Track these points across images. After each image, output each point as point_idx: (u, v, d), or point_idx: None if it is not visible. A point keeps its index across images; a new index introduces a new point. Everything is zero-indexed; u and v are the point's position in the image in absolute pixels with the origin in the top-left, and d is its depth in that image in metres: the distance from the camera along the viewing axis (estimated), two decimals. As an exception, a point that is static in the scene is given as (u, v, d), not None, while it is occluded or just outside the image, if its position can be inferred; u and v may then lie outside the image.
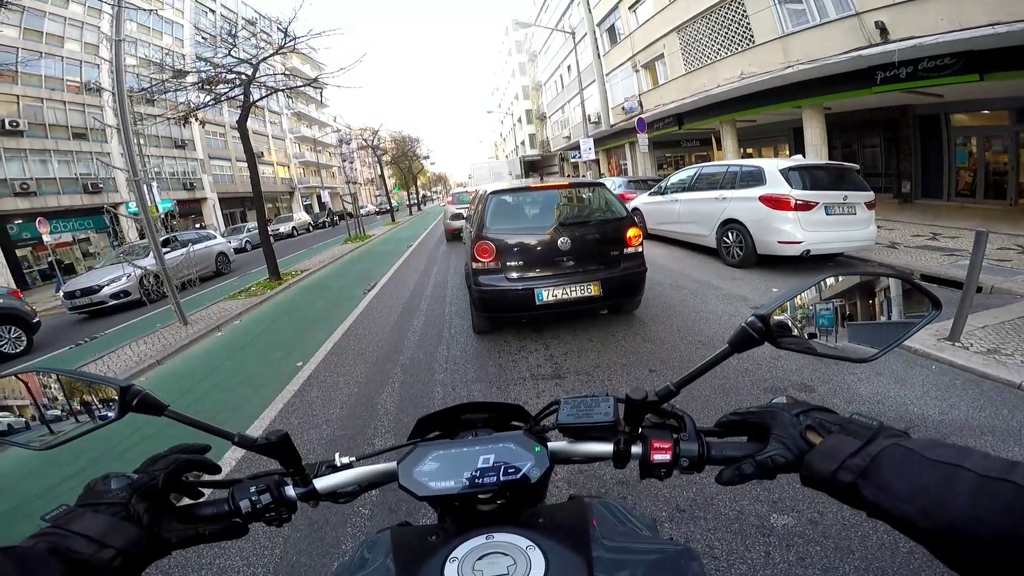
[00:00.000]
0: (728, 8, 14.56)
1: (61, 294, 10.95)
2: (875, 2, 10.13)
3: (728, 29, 14.79)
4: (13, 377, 0.63)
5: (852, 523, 2.03)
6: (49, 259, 19.68)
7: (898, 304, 0.65)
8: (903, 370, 3.49)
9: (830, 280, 0.64)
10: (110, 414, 0.63)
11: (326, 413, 3.66)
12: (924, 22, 9.16)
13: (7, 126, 20.73)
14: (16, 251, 21.11)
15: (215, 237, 15.95)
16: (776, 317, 0.60)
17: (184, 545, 0.60)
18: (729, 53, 14.84)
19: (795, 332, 0.62)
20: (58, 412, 0.64)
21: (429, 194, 72.76)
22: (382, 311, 6.66)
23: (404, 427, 3.25)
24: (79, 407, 0.64)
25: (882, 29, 9.92)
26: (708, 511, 2.19)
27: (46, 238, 17.94)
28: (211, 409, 4.15)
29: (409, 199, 45.78)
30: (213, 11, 34.10)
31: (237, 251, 22.27)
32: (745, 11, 13.89)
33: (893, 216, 10.61)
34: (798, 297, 0.63)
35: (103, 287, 10.43)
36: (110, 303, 10.43)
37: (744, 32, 14.18)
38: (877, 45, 9.97)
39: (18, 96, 21.70)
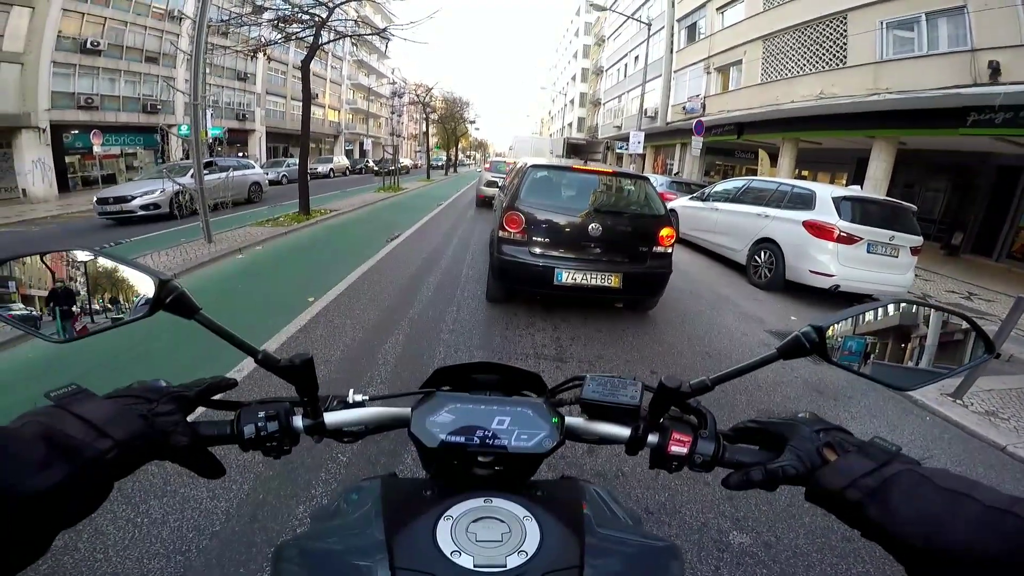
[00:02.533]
0: (827, 25, 13.83)
1: (95, 199, 11.35)
2: (997, 41, 9.43)
3: (820, 46, 14.08)
4: (38, 258, 0.58)
5: (803, 551, 2.07)
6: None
7: (951, 337, 0.65)
8: (897, 417, 3.48)
9: (891, 307, 0.64)
10: (140, 310, 0.59)
11: (327, 353, 3.71)
12: None
13: (88, 45, 21.51)
14: (66, 158, 22.00)
15: (253, 167, 16.19)
16: (829, 332, 0.60)
17: (175, 458, 0.56)
18: (813, 70, 14.19)
19: (844, 347, 0.62)
20: (84, 302, 0.59)
21: (464, 159, 69.17)
22: (401, 262, 6.72)
23: (402, 380, 3.30)
24: (108, 298, 0.60)
25: (995, 69, 9.27)
26: (675, 517, 2.20)
27: (97, 149, 18.86)
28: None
29: (437, 159, 42.48)
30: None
31: (273, 183, 22.73)
32: (846, 31, 13.17)
33: (935, 267, 10.21)
34: (855, 317, 0.63)
35: (135, 198, 10.79)
36: (139, 213, 10.78)
37: (837, 52, 13.48)
38: (982, 85, 9.33)
39: (106, 18, 22.37)
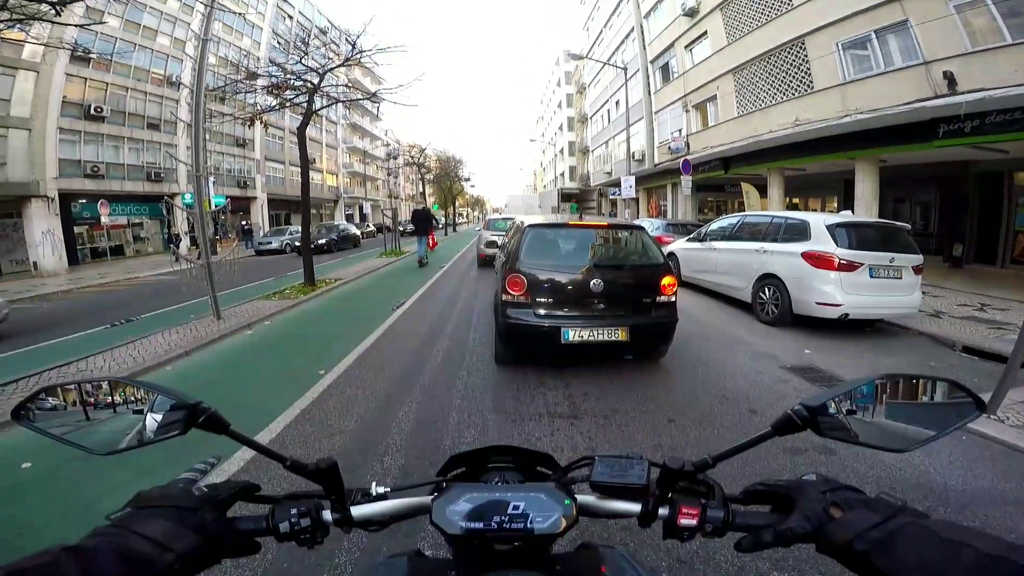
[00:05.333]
0: (789, 53, 14.45)
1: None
2: (945, 51, 9.89)
3: (786, 74, 14.66)
4: (87, 383, 0.68)
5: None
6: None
7: (940, 401, 0.68)
8: (932, 439, 3.36)
9: (878, 381, 0.67)
10: (174, 428, 0.65)
11: (341, 424, 3.70)
12: (996, 73, 8.93)
13: (92, 111, 21.86)
14: (74, 228, 22.03)
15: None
16: (820, 408, 0.64)
17: (230, 555, 0.63)
18: (785, 98, 14.70)
19: (837, 419, 0.65)
20: (124, 421, 0.67)
21: (458, 217, 66.45)
22: (408, 329, 6.73)
23: (417, 448, 3.28)
24: (145, 417, 0.66)
25: (950, 80, 9.65)
26: (709, 564, 2.14)
27: (104, 219, 18.80)
28: (229, 407, 4.12)
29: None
30: (291, 17, 36.06)
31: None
32: (807, 56, 13.76)
33: (941, 282, 10.15)
34: (845, 393, 0.67)
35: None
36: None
37: (803, 77, 14.03)
38: (943, 96, 9.66)
39: (107, 84, 22.93)
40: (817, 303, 6.18)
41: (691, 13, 19.43)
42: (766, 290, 6.99)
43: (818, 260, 6.22)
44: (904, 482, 2.86)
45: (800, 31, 13.72)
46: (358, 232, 28.09)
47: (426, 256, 15.04)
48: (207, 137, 12.71)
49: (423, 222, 15.25)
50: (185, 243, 24.57)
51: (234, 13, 26.08)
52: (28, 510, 2.82)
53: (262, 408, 4.09)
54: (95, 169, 22.15)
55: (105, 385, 0.69)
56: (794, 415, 0.63)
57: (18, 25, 6.29)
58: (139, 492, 0.62)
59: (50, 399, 0.67)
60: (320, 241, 22.06)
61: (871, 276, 6.10)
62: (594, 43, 35.15)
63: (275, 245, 23.38)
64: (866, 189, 12.25)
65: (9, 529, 2.61)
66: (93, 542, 0.52)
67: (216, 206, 16.08)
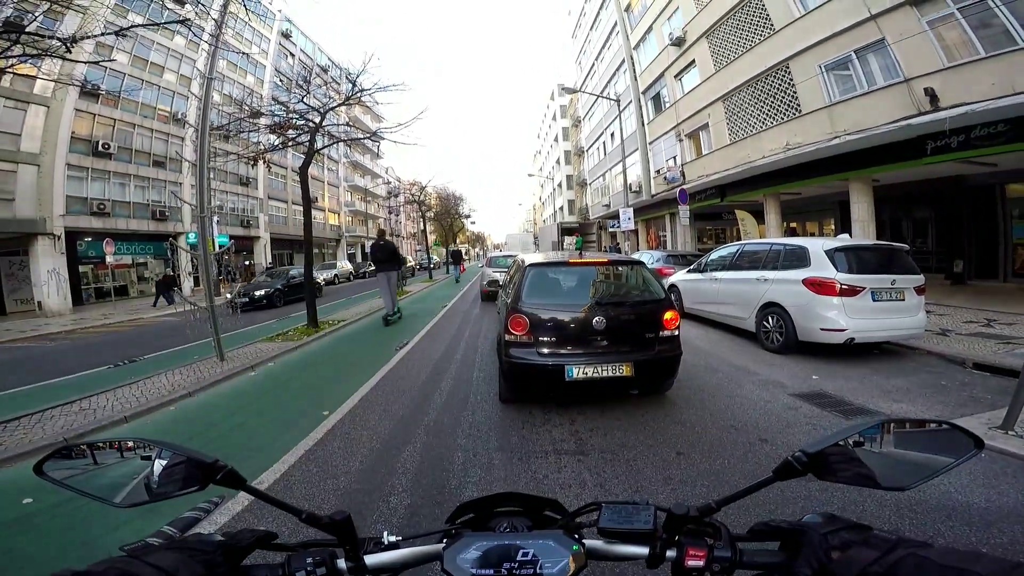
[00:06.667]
0: (775, 77, 14.71)
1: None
2: (924, 68, 10.07)
3: (774, 98, 14.86)
4: (107, 441, 0.72)
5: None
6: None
7: (939, 441, 0.70)
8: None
9: (878, 427, 0.70)
10: (193, 484, 0.68)
11: (346, 465, 3.67)
12: (975, 88, 9.07)
13: (100, 148, 21.92)
14: (79, 267, 21.87)
15: None
16: (819, 453, 0.67)
17: None
18: (775, 123, 14.86)
19: (836, 463, 0.67)
20: (144, 475, 0.69)
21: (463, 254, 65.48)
22: (412, 369, 6.68)
23: (423, 489, 3.24)
24: (166, 474, 0.69)
25: (932, 96, 9.80)
26: None
27: (109, 259, 18.58)
28: (233, 447, 4.22)
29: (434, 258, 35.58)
30: (293, 55, 37.00)
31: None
32: (792, 80, 13.99)
33: (944, 300, 10.13)
34: (844, 438, 0.69)
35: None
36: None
37: (790, 101, 14.21)
38: (927, 113, 9.79)
39: (115, 120, 23.07)
40: (822, 329, 6.15)
41: (678, 42, 19.95)
42: (769, 319, 6.96)
43: (820, 286, 6.21)
44: (925, 503, 2.80)
45: (783, 55, 14.05)
46: (321, 280, 23.51)
47: (459, 276, 25.99)
48: (211, 176, 12.87)
49: (457, 257, 29.70)
50: (188, 284, 24.54)
51: (238, 52, 26.71)
52: (29, 544, 2.87)
53: (265, 449, 4.07)
54: (101, 207, 22.02)
55: (126, 443, 0.72)
56: (794, 461, 0.67)
57: (30, 60, 6.51)
58: (153, 534, 0.65)
59: (70, 454, 0.71)
60: (257, 293, 17.32)
61: (874, 299, 6.08)
62: (587, 76, 36.02)
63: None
64: (862, 210, 12.32)
65: (11, 562, 2.68)
66: (101, 567, 0.54)
67: (220, 246, 16.15)
